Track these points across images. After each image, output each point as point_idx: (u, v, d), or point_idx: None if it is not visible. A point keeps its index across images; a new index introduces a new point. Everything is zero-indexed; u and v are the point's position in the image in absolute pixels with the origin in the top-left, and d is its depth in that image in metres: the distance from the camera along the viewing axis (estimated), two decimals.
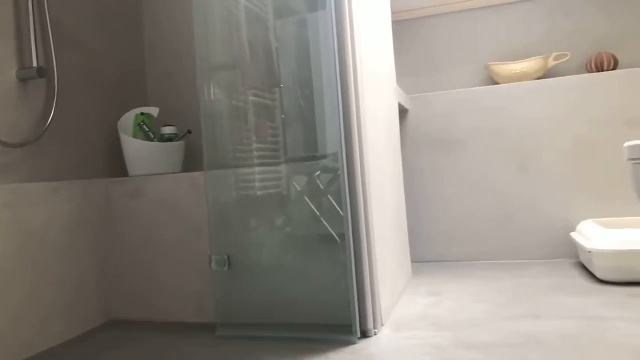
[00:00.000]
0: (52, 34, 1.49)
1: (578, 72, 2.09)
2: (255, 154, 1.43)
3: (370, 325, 1.24)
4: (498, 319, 1.31)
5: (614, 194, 1.93)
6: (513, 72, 2.07)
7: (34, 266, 1.34)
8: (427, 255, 2.13)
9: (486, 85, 2.21)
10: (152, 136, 1.70)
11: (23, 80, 1.43)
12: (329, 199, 1.34)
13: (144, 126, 1.70)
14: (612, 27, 2.06)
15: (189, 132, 1.80)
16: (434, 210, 2.12)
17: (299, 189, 1.39)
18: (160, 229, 1.54)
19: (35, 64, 1.43)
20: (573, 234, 1.85)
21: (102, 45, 1.78)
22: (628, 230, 1.56)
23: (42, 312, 1.35)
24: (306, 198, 1.37)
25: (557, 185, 1.99)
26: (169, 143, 1.70)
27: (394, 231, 1.59)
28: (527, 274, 1.78)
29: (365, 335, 1.24)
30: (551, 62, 2.06)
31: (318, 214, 1.34)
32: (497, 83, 2.16)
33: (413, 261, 2.14)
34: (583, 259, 1.77)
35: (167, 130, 1.74)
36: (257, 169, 1.41)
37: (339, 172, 1.25)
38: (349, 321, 1.23)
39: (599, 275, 1.57)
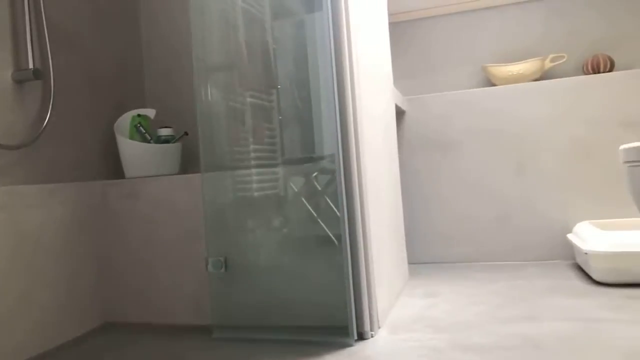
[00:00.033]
0: (48, 35, 1.49)
1: (574, 74, 2.10)
2: (252, 155, 1.42)
3: (367, 327, 1.24)
4: (494, 320, 1.31)
5: (610, 195, 1.93)
6: (510, 73, 2.08)
7: (29, 268, 1.34)
8: (423, 256, 2.13)
9: (483, 86, 2.21)
10: (149, 138, 1.70)
11: (19, 81, 1.43)
12: (326, 200, 1.34)
13: (141, 128, 1.69)
14: (609, 28, 2.07)
15: (186, 133, 1.79)
16: (431, 212, 2.13)
17: (296, 190, 1.39)
18: (157, 231, 1.53)
19: (31, 66, 1.43)
20: (569, 236, 1.85)
21: (98, 46, 1.77)
22: (624, 232, 1.56)
23: (38, 314, 1.35)
24: (303, 199, 1.37)
25: (554, 187, 1.99)
26: (165, 144, 1.70)
27: (390, 232, 1.59)
28: (524, 275, 1.78)
29: (361, 337, 1.24)
30: (548, 64, 2.06)
31: (315, 215, 1.34)
32: (494, 84, 2.16)
33: (410, 262, 2.14)
34: (579, 261, 1.78)
35: (164, 132, 1.74)
36: (254, 170, 1.41)
37: (336, 173, 1.25)
38: (346, 323, 1.23)
39: (595, 276, 1.58)
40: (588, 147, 1.96)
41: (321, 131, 1.38)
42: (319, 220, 1.34)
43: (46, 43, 1.47)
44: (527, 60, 2.07)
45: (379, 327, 1.30)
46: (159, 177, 1.56)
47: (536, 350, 1.09)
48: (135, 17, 2.00)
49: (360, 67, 1.33)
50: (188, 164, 1.88)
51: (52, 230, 1.41)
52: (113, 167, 1.77)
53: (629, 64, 2.04)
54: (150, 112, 1.78)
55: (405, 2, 2.28)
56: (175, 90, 1.96)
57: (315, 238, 1.34)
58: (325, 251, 1.31)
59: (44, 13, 1.48)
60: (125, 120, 1.72)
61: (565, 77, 2.08)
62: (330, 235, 1.30)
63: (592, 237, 1.62)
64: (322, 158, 1.37)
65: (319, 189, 1.37)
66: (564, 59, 2.05)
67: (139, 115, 1.71)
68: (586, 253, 1.59)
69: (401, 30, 2.32)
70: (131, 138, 1.69)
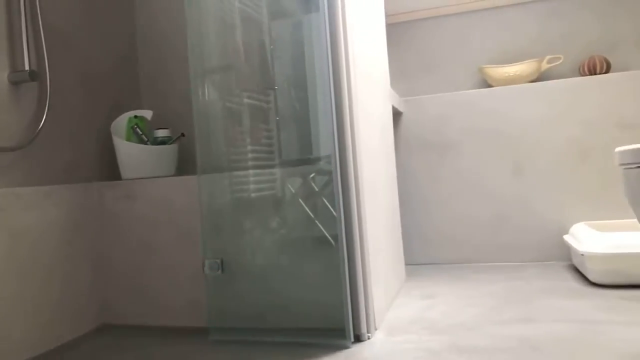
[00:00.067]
0: (44, 37, 1.48)
1: (571, 75, 2.10)
2: (250, 156, 1.42)
3: (364, 329, 1.24)
4: (491, 322, 1.31)
5: (606, 196, 1.94)
6: (506, 74, 2.08)
7: (25, 271, 1.33)
8: (420, 257, 2.14)
9: (480, 88, 2.22)
10: (145, 139, 1.69)
11: (15, 83, 1.42)
12: (323, 201, 1.34)
13: (137, 129, 1.69)
14: (605, 30, 2.07)
15: (183, 134, 1.79)
16: (428, 213, 2.13)
17: (293, 191, 1.39)
18: (154, 233, 1.53)
19: (27, 67, 1.42)
20: (566, 237, 1.86)
21: (94, 47, 1.77)
22: (620, 233, 1.57)
23: (34, 316, 1.34)
24: (300, 200, 1.37)
25: (550, 188, 2.00)
26: (162, 146, 1.70)
27: (387, 233, 1.59)
28: (520, 276, 1.79)
29: (358, 339, 1.24)
30: (544, 65, 2.07)
31: (312, 216, 1.34)
32: (490, 86, 2.16)
33: (407, 263, 2.15)
34: (576, 262, 1.78)
35: (161, 133, 1.73)
36: (251, 172, 1.41)
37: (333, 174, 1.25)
38: (343, 325, 1.23)
39: (591, 278, 1.58)
40: (584, 148, 1.96)
41: (318, 132, 1.38)
42: (316, 221, 1.34)
43: (42, 44, 1.47)
44: (524, 61, 2.07)
45: (376, 329, 1.30)
46: (156, 178, 1.55)
47: (533, 352, 1.09)
48: (132, 18, 1.99)
49: (357, 68, 1.33)
50: (185, 165, 1.88)
51: (48, 232, 1.41)
52: (109, 169, 1.77)
53: (625, 66, 2.05)
54: (147, 114, 1.77)
55: (401, 4, 2.28)
56: (172, 92, 1.96)
57: (312, 240, 1.34)
58: (322, 253, 1.31)
59: (40, 14, 1.48)
60: (121, 121, 1.71)
61: (562, 78, 2.08)
62: (327, 236, 1.30)
63: (588, 239, 1.62)
64: (319, 159, 1.37)
65: (316, 190, 1.37)
66: (561, 61, 2.06)
67: (135, 117, 1.71)
68: (582, 254, 1.60)
69: (398, 31, 2.32)
70: (128, 139, 1.68)
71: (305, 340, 1.27)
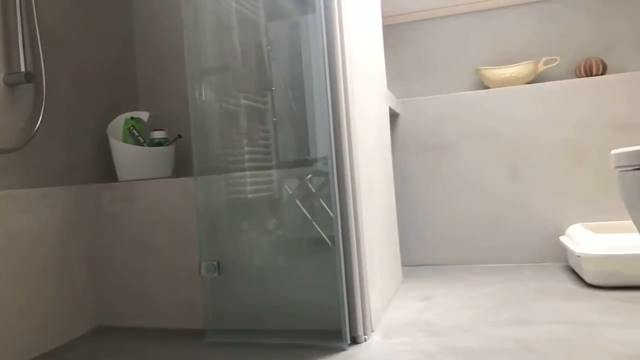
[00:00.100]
0: (40, 38, 1.48)
1: (567, 77, 2.11)
2: (247, 157, 1.42)
3: (360, 331, 1.24)
4: (487, 324, 1.31)
5: (602, 198, 1.94)
6: (503, 76, 2.09)
7: (22, 272, 1.33)
8: (417, 258, 2.14)
9: (476, 89, 2.22)
10: (142, 140, 1.69)
11: (10, 85, 1.42)
12: (320, 202, 1.34)
13: (134, 130, 1.69)
14: (601, 32, 2.08)
15: (179, 136, 1.79)
16: (424, 214, 2.13)
17: (290, 192, 1.39)
18: (150, 234, 1.53)
19: (22, 69, 1.42)
20: (562, 238, 1.86)
21: (91, 49, 1.77)
22: (616, 235, 1.57)
23: (30, 318, 1.34)
24: (297, 201, 1.37)
25: (547, 189, 2.00)
26: (158, 147, 1.70)
27: (384, 234, 1.59)
28: (517, 277, 1.79)
29: (355, 341, 1.24)
30: (541, 67, 2.07)
31: (310, 217, 1.34)
32: (487, 87, 2.17)
33: (403, 264, 2.15)
34: (572, 263, 1.79)
35: (157, 135, 1.73)
36: (248, 173, 1.41)
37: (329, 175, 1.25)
38: (339, 327, 1.23)
39: (587, 279, 1.59)
40: (580, 149, 1.97)
41: (315, 133, 1.38)
42: (313, 222, 1.34)
43: (38, 46, 1.47)
44: (520, 63, 2.08)
45: (372, 331, 1.30)
46: (153, 180, 1.55)
47: (528, 353, 1.09)
48: (129, 19, 1.99)
49: (354, 69, 1.33)
50: (182, 166, 1.88)
51: (44, 235, 1.41)
52: (106, 170, 1.77)
53: (620, 67, 2.05)
54: (144, 115, 1.77)
55: (398, 5, 2.28)
56: (168, 93, 1.96)
57: (308, 242, 1.34)
58: (319, 255, 1.31)
59: (36, 16, 1.47)
60: (118, 123, 1.71)
61: (558, 80, 2.09)
62: (324, 236, 1.30)
63: (584, 240, 1.63)
64: (316, 160, 1.37)
65: (314, 191, 1.37)
66: (557, 62, 2.06)
67: (132, 118, 1.71)
68: (579, 256, 1.60)
69: (395, 33, 2.32)
70: (124, 141, 1.68)
71: (301, 343, 1.27)
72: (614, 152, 1.00)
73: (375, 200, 1.50)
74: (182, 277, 1.49)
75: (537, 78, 2.13)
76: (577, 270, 1.71)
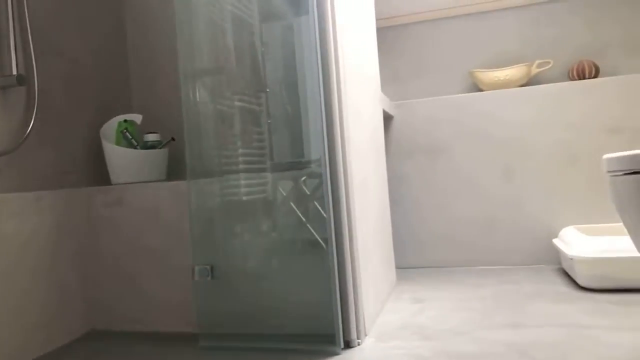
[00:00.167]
0: (33, 41, 1.47)
1: (560, 80, 2.12)
2: (241, 159, 1.42)
3: (354, 335, 1.24)
4: (480, 327, 1.31)
5: (595, 200, 1.95)
6: (497, 79, 2.09)
7: (13, 276, 1.32)
8: (411, 260, 2.14)
9: (470, 92, 2.23)
10: (135, 143, 1.69)
11: (2, 88, 1.41)
12: (315, 204, 1.34)
13: (127, 133, 1.68)
14: (594, 35, 2.09)
15: (173, 139, 1.78)
16: (418, 216, 2.13)
17: (284, 194, 1.39)
18: (144, 238, 1.52)
19: (14, 72, 1.41)
20: (555, 240, 1.87)
21: (83, 51, 1.76)
22: (608, 238, 1.58)
23: (22, 323, 1.33)
24: (292, 204, 1.36)
25: (540, 192, 2.01)
26: (152, 150, 1.69)
27: (378, 237, 1.59)
28: (510, 280, 1.80)
29: (348, 345, 1.24)
30: (534, 70, 2.08)
31: (304, 220, 1.34)
32: (481, 90, 2.17)
33: (397, 267, 2.15)
34: (565, 266, 1.79)
35: (150, 138, 1.73)
36: (242, 175, 1.41)
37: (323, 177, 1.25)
38: (333, 331, 1.23)
39: (580, 282, 1.59)
40: (573, 152, 1.98)
41: (310, 135, 1.38)
42: (308, 225, 1.34)
43: (30, 49, 1.46)
44: (514, 66, 2.08)
45: (366, 335, 1.30)
46: (146, 183, 1.55)
47: (520, 357, 1.09)
48: (121, 23, 1.98)
49: (347, 71, 1.33)
50: (175, 169, 1.87)
51: (38, 238, 1.40)
52: (99, 174, 1.76)
53: (613, 71, 2.07)
54: (137, 118, 1.77)
55: (392, 8, 2.28)
56: (162, 96, 1.95)
57: (302, 246, 1.34)
58: (312, 259, 1.31)
59: (28, 18, 1.46)
60: (111, 125, 1.71)
61: (551, 82, 2.10)
62: (319, 240, 1.30)
63: (577, 243, 1.64)
64: (310, 162, 1.37)
65: (308, 193, 1.37)
66: (550, 65, 2.07)
67: (125, 121, 1.70)
68: (571, 258, 1.61)
69: (389, 35, 2.32)
70: (117, 144, 1.68)
71: (295, 347, 1.27)
72: (605, 156, 1.00)
73: (369, 203, 1.50)
74: (176, 280, 1.49)
75: (531, 81, 2.14)
76: (569, 273, 1.72)
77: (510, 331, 1.26)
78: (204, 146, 1.44)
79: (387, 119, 2.16)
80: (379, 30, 2.32)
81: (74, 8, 1.73)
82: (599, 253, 1.54)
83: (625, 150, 1.92)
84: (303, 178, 1.37)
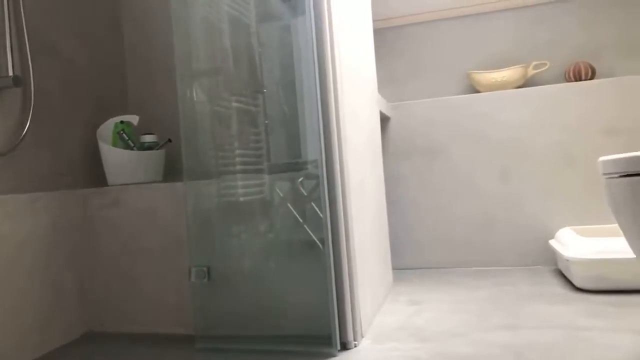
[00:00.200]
0: (29, 42, 1.47)
1: (556, 81, 2.12)
2: (238, 160, 1.42)
3: (350, 337, 1.24)
4: (477, 329, 1.32)
5: (591, 201, 1.96)
6: (494, 80, 2.10)
7: (9, 278, 1.32)
8: (408, 261, 2.14)
9: (467, 93, 2.23)
10: (132, 144, 1.68)
11: None
12: (312, 205, 1.34)
13: (124, 134, 1.68)
14: (590, 37, 2.09)
15: (169, 140, 1.78)
16: (415, 217, 2.14)
17: (281, 195, 1.39)
18: (140, 239, 1.52)
19: (10, 73, 1.41)
20: (551, 242, 1.87)
21: (79, 52, 1.75)
22: (604, 239, 1.59)
23: (19, 325, 1.33)
24: (289, 205, 1.36)
25: (537, 193, 2.01)
26: (148, 151, 1.69)
27: (374, 238, 1.59)
28: (507, 281, 1.80)
29: (345, 347, 1.24)
30: (530, 71, 2.08)
31: (301, 221, 1.34)
32: (478, 91, 2.18)
33: (394, 268, 2.15)
34: (561, 267, 1.80)
35: (147, 139, 1.72)
36: (239, 176, 1.41)
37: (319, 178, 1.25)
38: (329, 332, 1.23)
39: (576, 283, 1.60)
40: (570, 153, 1.98)
41: (307, 136, 1.38)
42: (305, 226, 1.33)
43: (26, 49, 1.45)
44: (511, 67, 2.09)
45: (362, 337, 1.30)
46: (143, 184, 1.54)
47: (517, 359, 1.10)
48: (118, 24, 1.98)
49: (344, 72, 1.34)
50: (172, 170, 1.87)
51: (34, 240, 1.39)
52: (95, 175, 1.75)
53: (609, 72, 2.07)
54: (134, 119, 1.76)
55: (389, 9, 2.29)
56: (158, 97, 1.95)
57: (299, 247, 1.34)
58: (309, 260, 1.31)
59: (24, 19, 1.46)
60: (108, 126, 1.70)
61: (548, 84, 2.10)
62: (317, 241, 1.30)
63: (573, 244, 1.64)
64: (307, 163, 1.37)
65: (305, 194, 1.37)
66: (546, 67, 2.08)
67: (122, 122, 1.70)
68: (568, 259, 1.61)
69: (386, 37, 2.33)
70: (114, 145, 1.67)
71: (291, 349, 1.27)
72: (601, 159, 1.01)
73: (366, 204, 1.50)
74: (173, 282, 1.49)
75: (527, 82, 2.14)
76: (566, 274, 1.72)
77: (507, 333, 1.27)
78: (201, 147, 1.44)
79: (384, 120, 2.16)
80: (376, 31, 2.32)
81: (71, 8, 1.72)
82: (595, 254, 1.55)
83: (622, 151, 1.93)
84: (300, 179, 1.37)
